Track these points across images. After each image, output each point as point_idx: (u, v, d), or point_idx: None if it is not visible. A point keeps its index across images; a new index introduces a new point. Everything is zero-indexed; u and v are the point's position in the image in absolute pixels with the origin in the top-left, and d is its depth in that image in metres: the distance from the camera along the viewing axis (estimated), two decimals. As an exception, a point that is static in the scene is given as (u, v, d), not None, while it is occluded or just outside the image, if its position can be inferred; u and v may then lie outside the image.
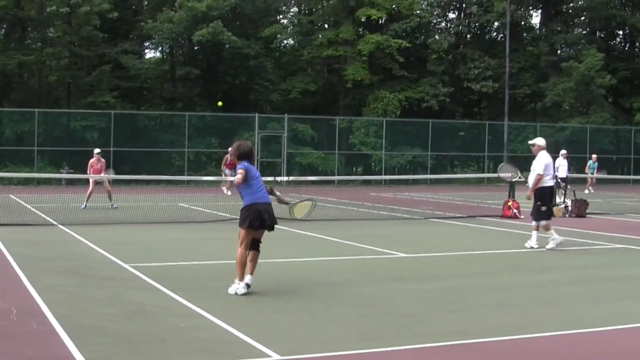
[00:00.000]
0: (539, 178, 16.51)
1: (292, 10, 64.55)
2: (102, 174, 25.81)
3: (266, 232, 11.10)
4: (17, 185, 39.40)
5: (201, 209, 26.06)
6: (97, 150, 26.49)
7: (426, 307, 10.31)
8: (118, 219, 22.12)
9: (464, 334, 8.67)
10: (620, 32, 64.96)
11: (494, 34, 61.00)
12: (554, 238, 16.48)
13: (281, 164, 45.81)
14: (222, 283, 11.13)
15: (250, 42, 51.13)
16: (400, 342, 8.28)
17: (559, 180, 27.61)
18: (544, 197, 16.64)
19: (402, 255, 15.41)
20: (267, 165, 45.90)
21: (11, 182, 39.22)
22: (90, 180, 25.87)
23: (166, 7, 50.73)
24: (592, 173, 40.30)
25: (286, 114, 46.98)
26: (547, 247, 16.43)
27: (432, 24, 58.43)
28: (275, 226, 11.13)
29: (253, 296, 10.59)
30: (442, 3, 56.26)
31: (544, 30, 59.40)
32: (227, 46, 49.91)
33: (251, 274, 10.88)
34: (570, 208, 25.31)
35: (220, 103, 43.15)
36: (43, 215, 22.72)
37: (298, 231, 18.92)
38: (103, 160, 26.41)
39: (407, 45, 52.64)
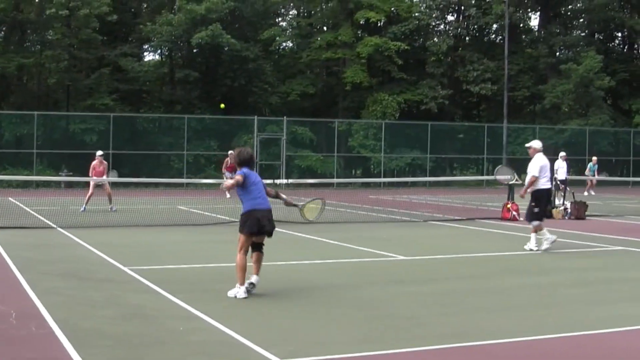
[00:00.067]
0: (533, 180, 16.66)
1: (291, 12, 64.64)
2: (104, 177, 25.80)
3: (260, 236, 11.14)
4: (16, 188, 39.42)
5: (200, 212, 26.07)
6: (99, 153, 26.44)
7: (425, 309, 10.32)
8: (117, 221, 22.13)
9: (463, 336, 8.67)
10: (619, 34, 65.01)
11: (493, 36, 61.02)
12: (547, 238, 16.51)
13: (280, 166, 45.82)
14: (222, 286, 11.14)
15: (249, 45, 51.14)
16: (400, 344, 8.28)
17: (558, 183, 27.64)
18: (539, 199, 16.67)
19: (402, 257, 15.42)
20: (266, 167, 45.89)
21: (10, 185, 39.24)
22: (91, 183, 25.85)
23: (165, 10, 50.73)
24: (593, 174, 40.26)
25: (285, 117, 47.01)
26: (542, 247, 16.47)
27: (431, 27, 58.43)
28: (274, 230, 11.17)
29: (252, 299, 10.59)
30: (441, 5, 56.26)
31: (542, 32, 59.46)
32: (226, 49, 49.92)
33: (257, 274, 11.00)
34: (569, 210, 25.33)
35: (222, 105, 43.18)
36: (42, 218, 22.72)
37: (297, 234, 18.93)
38: (105, 162, 26.39)
39: (406, 47, 52.69)
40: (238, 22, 54.93)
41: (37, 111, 44.26)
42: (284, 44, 59.62)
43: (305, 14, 62.08)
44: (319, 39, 54.96)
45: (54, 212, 24.51)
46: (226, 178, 31.23)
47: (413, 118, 52.96)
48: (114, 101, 48.26)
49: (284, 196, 11.72)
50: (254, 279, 10.91)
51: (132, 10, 55.49)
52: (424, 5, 56.67)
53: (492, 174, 23.54)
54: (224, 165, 34.27)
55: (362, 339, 8.55)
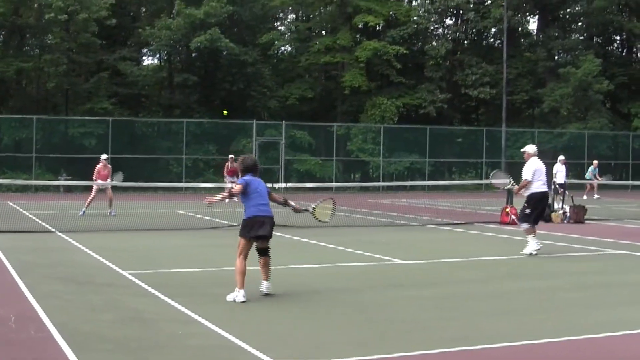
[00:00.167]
0: (525, 183, 16.78)
1: (289, 17, 64.71)
2: (108, 180, 25.79)
3: (262, 242, 11.16)
4: (15, 192, 39.37)
5: (199, 216, 26.05)
6: (104, 156, 26.41)
7: (425, 313, 10.31)
8: (116, 226, 22.12)
9: (462, 340, 8.66)
10: (618, 38, 65.08)
11: (491, 40, 61.09)
12: (531, 244, 16.48)
13: (279, 170, 45.82)
14: (220, 290, 11.13)
15: (247, 49, 51.18)
16: (399, 349, 8.26)
17: (557, 186, 27.66)
18: (534, 203, 16.68)
19: (401, 261, 15.41)
20: (265, 171, 45.77)
21: (9, 189, 39.20)
22: (94, 187, 25.83)
23: (164, 14, 50.80)
24: (595, 176, 40.25)
25: (284, 121, 47.01)
26: (523, 251, 16.43)
27: (430, 31, 58.48)
28: (273, 233, 11.19)
29: (251, 303, 10.58)
30: (439, 9, 56.25)
31: (541, 36, 59.53)
32: (224, 53, 49.97)
33: (266, 279, 11.12)
34: (568, 214, 25.31)
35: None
36: (41, 222, 22.71)
37: (296, 238, 18.92)
38: (109, 166, 26.36)
39: (405, 51, 52.69)
40: (237, 26, 55.03)
41: (36, 115, 44.27)
42: (283, 48, 59.71)
43: (304, 18, 62.14)
44: (317, 43, 55.05)
45: (53, 216, 24.50)
46: (227, 182, 31.47)
47: (412, 122, 53.00)
48: (113, 105, 48.29)
49: (292, 203, 11.77)
50: (264, 287, 11.07)
51: (131, 14, 55.56)
52: (423, 9, 56.67)
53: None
54: (224, 170, 34.32)
55: (361, 343, 8.55)
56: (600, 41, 63.30)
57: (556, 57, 60.33)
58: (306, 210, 12.18)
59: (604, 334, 9.15)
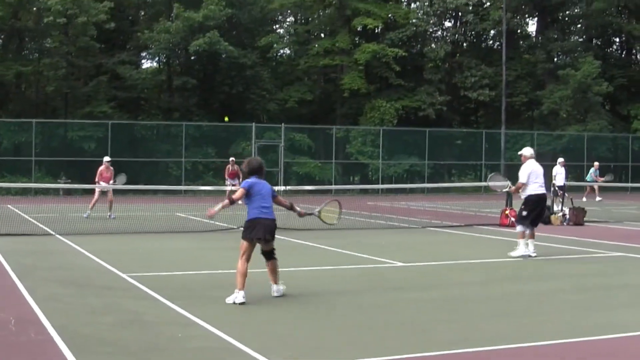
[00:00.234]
0: (520, 185, 16.89)
1: (288, 19, 64.68)
2: (110, 182, 25.81)
3: (265, 244, 11.21)
4: (14, 195, 39.41)
5: (199, 219, 26.01)
6: (107, 159, 26.44)
7: (424, 316, 10.32)
8: (116, 228, 22.14)
9: (462, 342, 8.67)
10: (617, 40, 65.06)
11: (490, 42, 61.10)
12: (520, 249, 16.50)
13: (278, 173, 45.77)
14: (220, 292, 11.14)
15: (246, 52, 51.16)
16: (398, 351, 8.27)
17: (557, 189, 27.66)
18: (531, 205, 16.70)
19: (400, 264, 15.41)
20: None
21: (9, 193, 39.23)
22: (96, 189, 25.86)
23: (163, 18, 50.75)
24: (597, 176, 40.22)
25: (283, 124, 46.99)
26: (511, 253, 16.48)
27: (429, 33, 58.41)
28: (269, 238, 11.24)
29: (251, 306, 10.59)
30: (438, 12, 56.20)
31: (540, 38, 59.54)
32: (223, 56, 49.95)
33: (275, 283, 11.27)
34: (568, 216, 25.31)
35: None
36: (41, 226, 22.72)
37: (295, 240, 18.93)
38: (112, 168, 26.36)
39: (404, 54, 52.66)
40: (235, 29, 55.00)
41: (36, 119, 44.21)
42: (282, 51, 59.74)
43: (303, 21, 62.10)
44: (316, 45, 55.02)
45: (52, 219, 24.52)
46: (228, 185, 31.62)
47: (411, 124, 52.97)
48: (112, 109, 48.24)
49: (298, 209, 11.80)
50: (274, 290, 11.23)
51: (130, 18, 55.51)
52: (421, 11, 56.61)
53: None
54: (225, 172, 34.38)
55: (361, 346, 8.55)
56: (599, 43, 63.31)
57: (555, 59, 60.29)
58: (312, 214, 12.19)
59: (604, 336, 9.16)
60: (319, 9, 57.46)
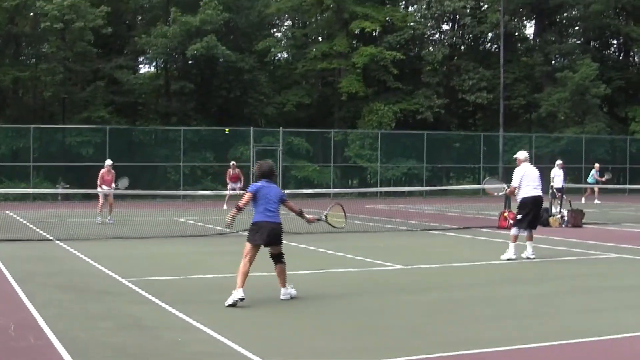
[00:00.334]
0: (513, 189, 17.07)
1: (286, 23, 64.68)
2: (112, 185, 25.85)
3: (271, 247, 11.31)
4: (13, 201, 39.37)
5: (197, 223, 26.06)
6: (108, 162, 26.45)
7: (423, 318, 10.32)
8: (114, 233, 22.12)
9: (461, 345, 8.66)
10: (615, 42, 65.06)
11: (488, 45, 61.19)
12: (509, 251, 16.53)
13: (276, 177, 45.73)
14: (220, 297, 11.13)
15: (244, 56, 51.16)
16: (397, 353, 8.27)
17: (555, 191, 27.67)
18: (526, 208, 16.73)
19: (399, 267, 15.42)
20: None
21: (7, 198, 39.19)
22: (100, 193, 25.89)
23: (160, 22, 50.74)
24: (599, 177, 40.20)
25: (281, 128, 46.98)
26: (503, 256, 16.52)
27: (426, 36, 58.50)
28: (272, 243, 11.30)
29: (250, 309, 10.60)
30: (436, 15, 56.24)
31: (538, 40, 59.55)
32: (221, 60, 49.95)
33: (284, 286, 11.37)
34: (566, 218, 25.34)
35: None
36: (40, 231, 22.69)
37: (294, 244, 18.91)
38: (113, 171, 26.38)
39: (402, 57, 52.69)
40: (233, 33, 55.02)
41: (33, 124, 44.19)
42: (279, 55, 59.71)
43: (300, 25, 62.15)
44: (314, 49, 55.06)
45: (51, 224, 24.50)
46: (229, 189, 31.77)
47: (409, 127, 52.97)
48: (110, 114, 48.26)
49: (307, 216, 11.84)
50: (282, 294, 11.30)
51: (127, 22, 55.54)
52: (419, 14, 56.66)
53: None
54: (226, 176, 34.47)
55: (360, 348, 8.56)
56: (597, 45, 63.30)
57: (553, 62, 60.32)
58: (320, 219, 12.23)
59: (603, 337, 9.16)
60: (317, 12, 57.48)
